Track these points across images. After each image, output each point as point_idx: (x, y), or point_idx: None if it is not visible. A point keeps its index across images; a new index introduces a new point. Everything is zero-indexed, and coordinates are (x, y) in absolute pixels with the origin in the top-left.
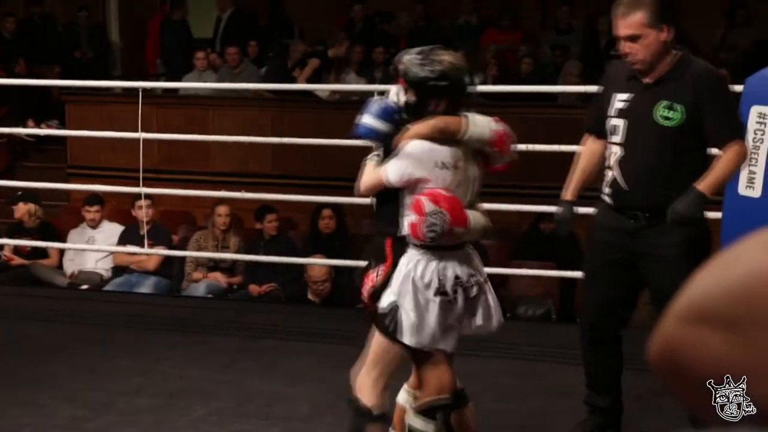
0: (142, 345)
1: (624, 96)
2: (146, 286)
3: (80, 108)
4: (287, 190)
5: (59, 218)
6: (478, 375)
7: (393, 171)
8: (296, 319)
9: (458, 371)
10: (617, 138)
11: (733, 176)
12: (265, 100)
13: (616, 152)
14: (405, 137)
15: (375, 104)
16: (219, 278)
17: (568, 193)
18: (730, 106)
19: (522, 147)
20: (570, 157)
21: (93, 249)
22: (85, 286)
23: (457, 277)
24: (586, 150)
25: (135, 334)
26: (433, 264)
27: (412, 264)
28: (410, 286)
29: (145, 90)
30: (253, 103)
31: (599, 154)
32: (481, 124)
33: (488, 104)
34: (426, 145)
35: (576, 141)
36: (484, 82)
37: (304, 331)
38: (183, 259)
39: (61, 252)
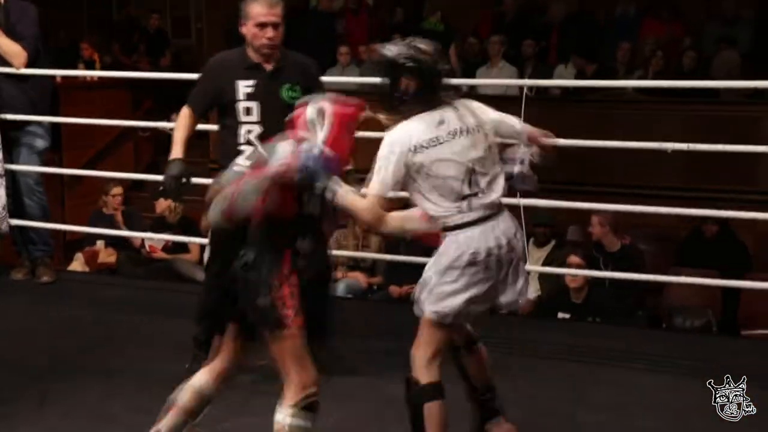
0: None
1: (249, 83)
2: None
3: None
4: None
5: (200, 213)
6: (632, 388)
7: None
8: None
9: (607, 380)
10: (253, 118)
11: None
12: None
13: (253, 129)
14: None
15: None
16: (359, 278)
17: (179, 153)
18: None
19: (683, 146)
20: (735, 156)
21: None
22: None
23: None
24: (188, 121)
25: None
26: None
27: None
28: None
29: None
30: None
31: (194, 127)
32: None
33: (648, 100)
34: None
35: (740, 140)
36: (643, 77)
37: None
38: None
39: (202, 247)
